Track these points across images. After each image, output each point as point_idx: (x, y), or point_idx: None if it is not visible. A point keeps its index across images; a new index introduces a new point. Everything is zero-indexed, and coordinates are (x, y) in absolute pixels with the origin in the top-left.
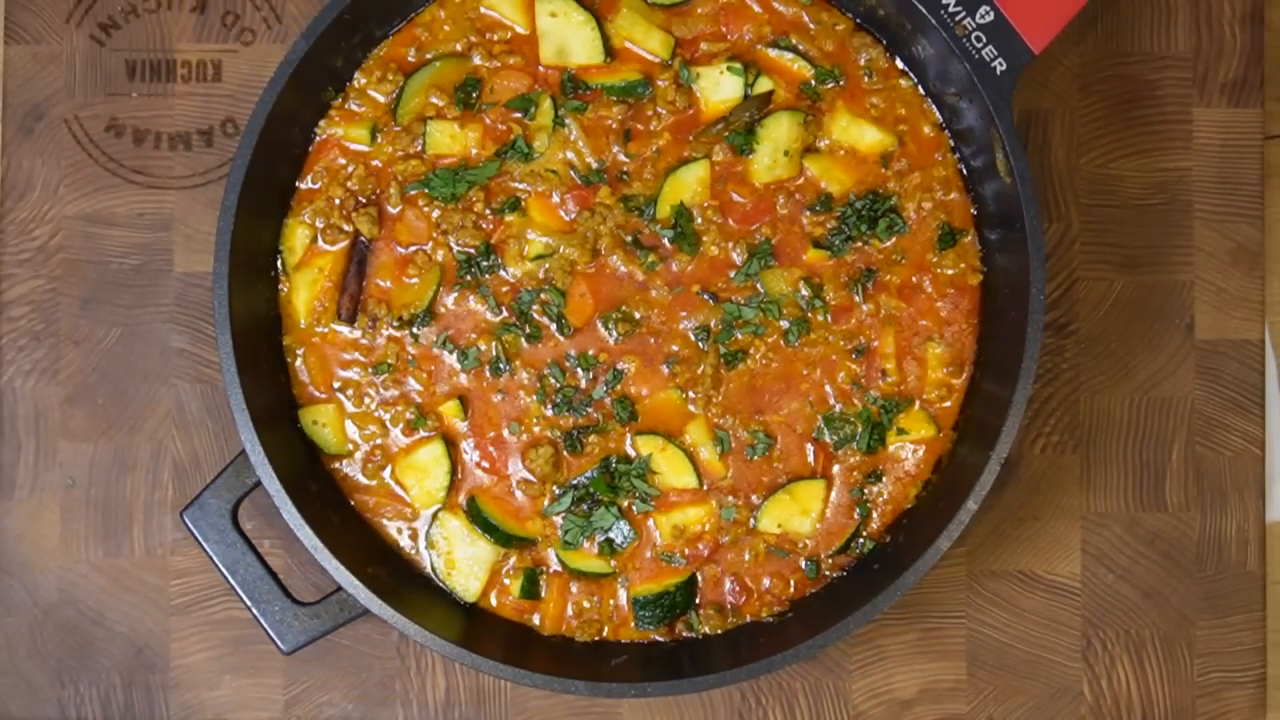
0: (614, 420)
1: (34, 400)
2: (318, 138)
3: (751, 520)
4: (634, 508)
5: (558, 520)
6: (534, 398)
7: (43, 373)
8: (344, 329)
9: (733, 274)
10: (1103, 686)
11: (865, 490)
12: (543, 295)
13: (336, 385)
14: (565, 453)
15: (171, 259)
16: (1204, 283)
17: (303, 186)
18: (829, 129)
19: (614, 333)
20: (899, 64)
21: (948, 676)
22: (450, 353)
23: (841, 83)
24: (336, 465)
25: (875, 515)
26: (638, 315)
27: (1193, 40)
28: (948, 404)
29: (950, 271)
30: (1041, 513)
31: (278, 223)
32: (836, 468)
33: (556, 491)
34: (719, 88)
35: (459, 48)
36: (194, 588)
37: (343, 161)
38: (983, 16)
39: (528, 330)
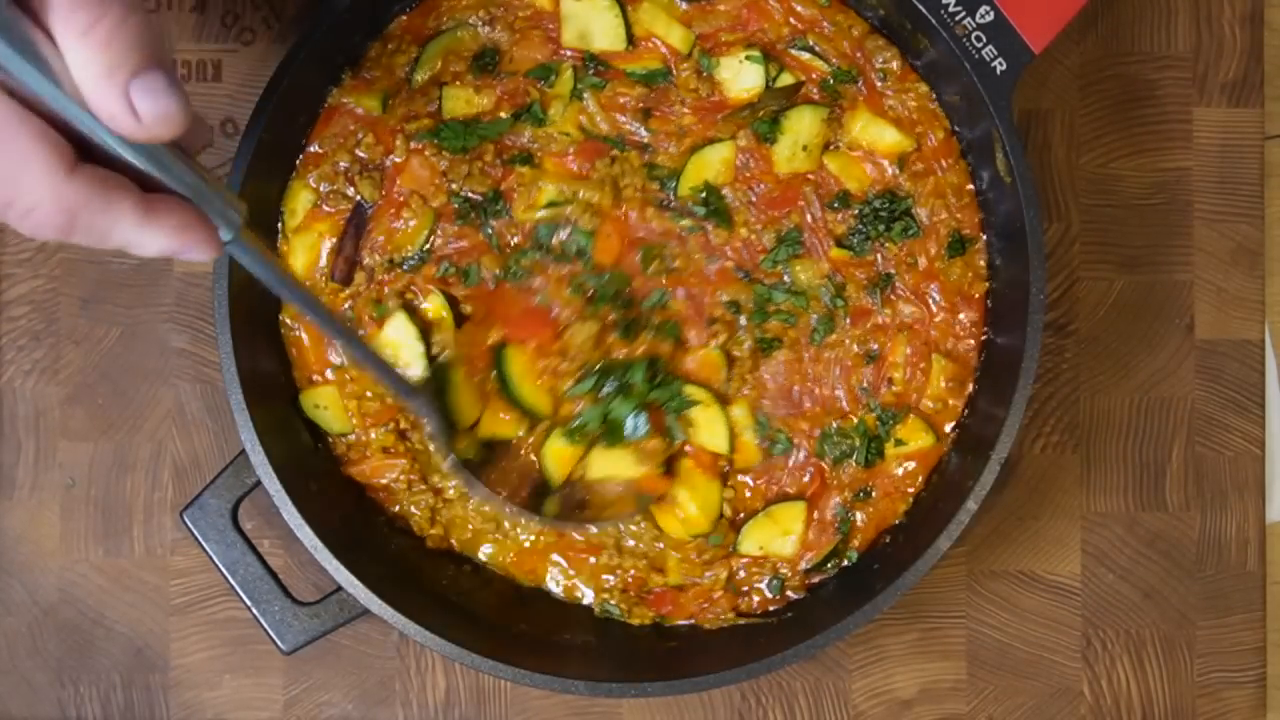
0: (666, 336)
1: (34, 400)
2: (328, 104)
3: (732, 546)
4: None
5: (577, 411)
6: (574, 293)
7: (43, 372)
8: (341, 300)
9: (762, 259)
10: (1103, 686)
11: (850, 509)
12: (562, 233)
13: (336, 363)
14: (616, 335)
15: (171, 259)
16: (1204, 282)
17: (310, 150)
18: (849, 127)
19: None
20: (915, 67)
21: (948, 676)
22: (455, 274)
23: (859, 84)
24: (340, 439)
25: (857, 535)
26: (675, 264)
27: (1193, 40)
28: (945, 411)
29: (955, 276)
30: (1041, 513)
31: (282, 183)
32: (828, 482)
33: (585, 373)
34: (740, 78)
35: (480, 18)
36: (194, 588)
37: (352, 128)
38: (983, 16)
39: (551, 259)
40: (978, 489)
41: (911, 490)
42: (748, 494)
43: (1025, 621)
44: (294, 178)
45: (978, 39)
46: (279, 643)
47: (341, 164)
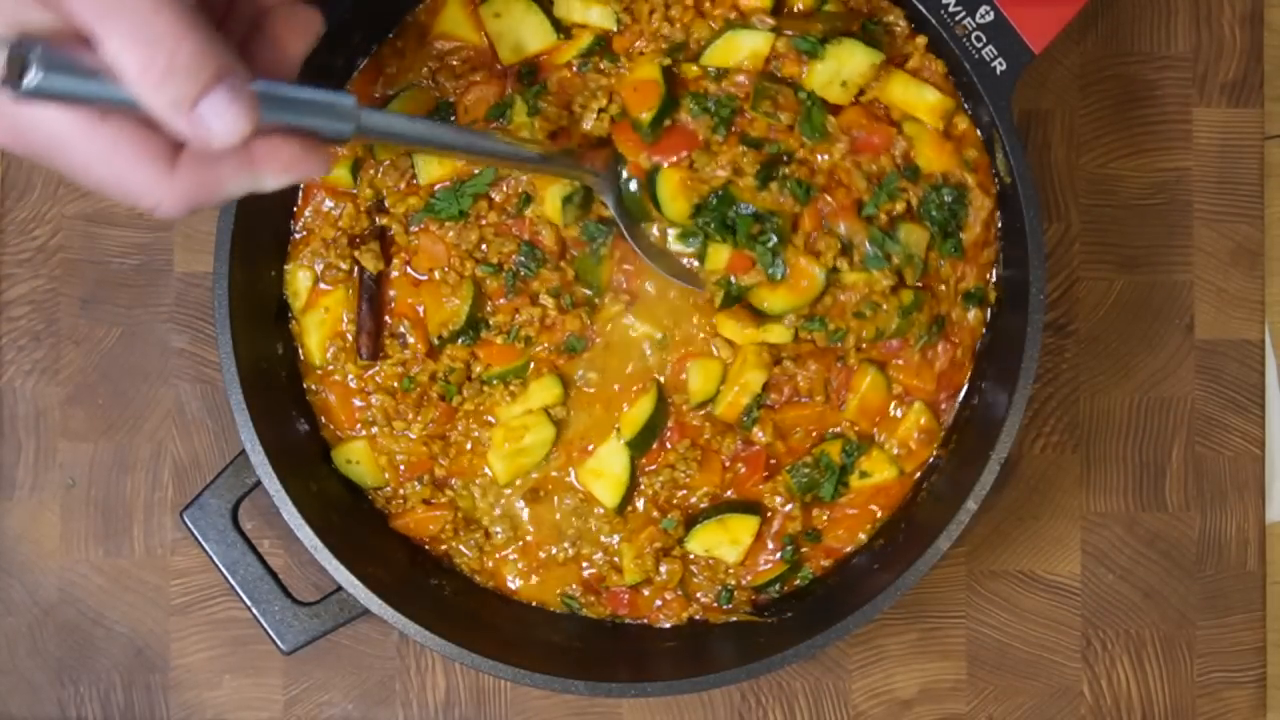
0: (795, 193)
1: (34, 400)
2: (303, 184)
3: (680, 538)
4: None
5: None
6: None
7: (43, 373)
8: (367, 368)
9: (866, 202)
10: (1103, 686)
11: (798, 544)
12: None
13: (366, 418)
14: (753, 179)
15: (171, 259)
16: (1204, 283)
17: (297, 235)
18: (888, 87)
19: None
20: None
21: (948, 676)
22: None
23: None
24: (377, 492)
25: (806, 566)
26: (783, 117)
27: (1193, 40)
28: (908, 457)
29: (964, 330)
30: (1041, 513)
31: (280, 268)
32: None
33: (708, 201)
34: None
35: (423, 75)
36: (194, 588)
37: (330, 204)
38: (983, 16)
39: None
40: (978, 489)
41: (869, 528)
42: (698, 495)
43: (1025, 621)
44: (289, 260)
45: (978, 39)
46: (279, 643)
47: (328, 238)
